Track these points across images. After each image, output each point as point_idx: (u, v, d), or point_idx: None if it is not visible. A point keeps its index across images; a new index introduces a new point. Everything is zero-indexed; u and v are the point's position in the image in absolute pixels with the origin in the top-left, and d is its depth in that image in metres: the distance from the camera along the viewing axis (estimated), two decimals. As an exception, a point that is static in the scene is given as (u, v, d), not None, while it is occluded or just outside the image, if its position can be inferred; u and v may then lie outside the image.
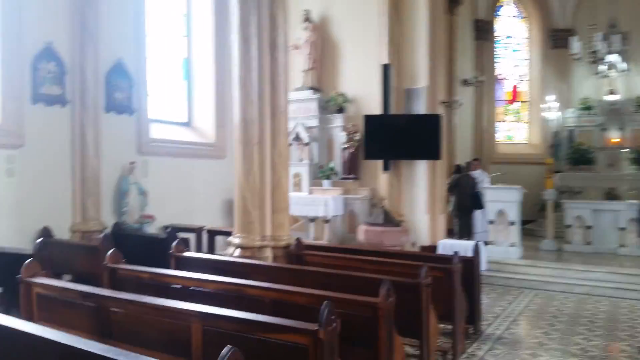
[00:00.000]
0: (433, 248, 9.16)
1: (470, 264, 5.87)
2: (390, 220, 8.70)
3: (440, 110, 9.76)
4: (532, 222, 13.78)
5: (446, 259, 5.59)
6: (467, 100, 14.96)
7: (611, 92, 13.82)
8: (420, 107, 9.56)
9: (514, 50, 16.50)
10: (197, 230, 8.47)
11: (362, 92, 10.19)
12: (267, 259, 5.79)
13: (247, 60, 5.98)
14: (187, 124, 10.39)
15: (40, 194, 7.05)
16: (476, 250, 5.97)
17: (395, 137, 9.39)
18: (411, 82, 9.71)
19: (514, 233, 9.18)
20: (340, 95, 10.23)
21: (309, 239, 9.62)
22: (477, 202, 9.91)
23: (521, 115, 16.62)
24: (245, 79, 5.97)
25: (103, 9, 7.83)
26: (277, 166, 6.05)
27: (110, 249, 5.03)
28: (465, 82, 14.37)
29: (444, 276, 5.19)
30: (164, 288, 4.41)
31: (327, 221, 9.49)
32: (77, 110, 7.53)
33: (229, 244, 6.02)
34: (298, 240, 6.01)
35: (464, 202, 10.41)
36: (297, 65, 10.56)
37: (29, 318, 3.95)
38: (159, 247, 6.58)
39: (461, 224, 10.48)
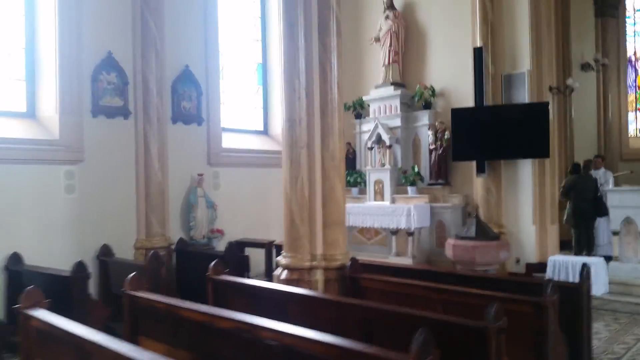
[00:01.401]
0: (541, 266, 7.70)
1: (576, 293, 4.49)
2: (484, 232, 7.38)
3: (549, 99, 8.18)
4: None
5: (538, 288, 4.31)
6: (589, 87, 12.83)
7: None
8: (523, 96, 8.09)
9: (649, 26, 13.93)
10: (267, 246, 7.84)
11: (452, 84, 8.97)
12: (317, 282, 4.96)
13: (293, 48, 5.22)
14: (263, 132, 9.95)
15: (103, 210, 6.91)
16: (586, 273, 4.56)
17: (491, 133, 8.05)
18: (510, 67, 8.28)
19: (649, 247, 7.35)
20: (426, 88, 9.09)
21: (390, 255, 8.63)
22: (599, 208, 8.14)
23: (661, 102, 13.96)
24: (290, 70, 5.21)
25: (167, 15, 7.59)
26: (329, 172, 5.18)
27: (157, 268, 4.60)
28: (586, 67, 12.29)
29: (533, 312, 3.94)
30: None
31: (410, 234, 8.39)
32: (140, 122, 7.34)
33: (277, 264, 5.29)
34: (353, 260, 5.10)
35: (582, 209, 8.66)
36: (378, 60, 9.65)
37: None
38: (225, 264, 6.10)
39: (578, 235, 8.74)
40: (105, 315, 5.25)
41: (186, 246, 7.44)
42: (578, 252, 8.68)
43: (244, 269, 6.51)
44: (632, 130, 13.75)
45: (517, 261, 8.17)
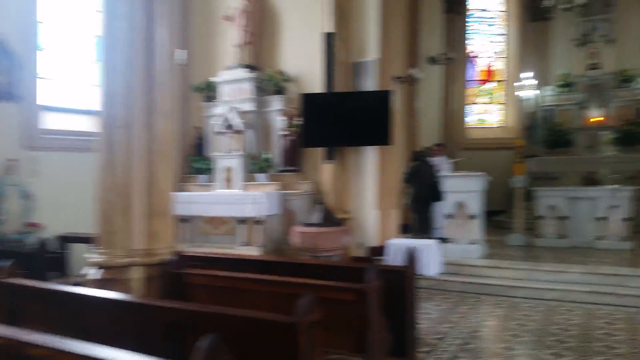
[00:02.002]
0: (382, 249, 7.89)
1: (401, 277, 4.54)
2: (329, 219, 7.36)
3: (393, 87, 8.40)
4: (503, 213, 12.56)
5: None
6: (435, 80, 13.68)
7: (593, 67, 12.54)
8: (370, 84, 8.21)
9: (489, 25, 15.18)
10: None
11: (305, 70, 8.81)
12: (134, 282, 4.44)
13: (111, 13, 4.60)
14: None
15: None
16: (411, 258, 4.63)
17: (339, 119, 8.05)
18: (360, 55, 8.35)
19: (475, 228, 7.90)
20: (278, 73, 8.85)
21: (238, 245, 8.30)
22: (436, 193, 8.58)
23: (495, 97, 15.34)
24: (109, 36, 4.59)
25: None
26: (152, 156, 4.65)
27: None
28: (433, 60, 13.04)
29: (356, 299, 3.87)
30: None
31: (259, 222, 8.14)
32: None
33: (89, 262, 4.65)
34: (178, 254, 4.66)
35: (422, 194, 9.10)
36: (230, 40, 9.17)
37: None
38: (31, 263, 5.25)
39: (419, 219, 9.18)
40: None
41: (-7, 243, 6.39)
42: (417, 235, 9.13)
43: (59, 268, 5.71)
44: (472, 120, 14.95)
45: (359, 245, 8.34)
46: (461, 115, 14.40)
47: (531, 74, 13.55)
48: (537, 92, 13.37)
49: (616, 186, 8.84)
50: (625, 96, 12.16)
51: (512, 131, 14.73)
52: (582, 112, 12.43)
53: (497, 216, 12.51)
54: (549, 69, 14.45)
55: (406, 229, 9.35)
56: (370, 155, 8.30)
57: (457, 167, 11.91)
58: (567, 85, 12.82)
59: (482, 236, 8.29)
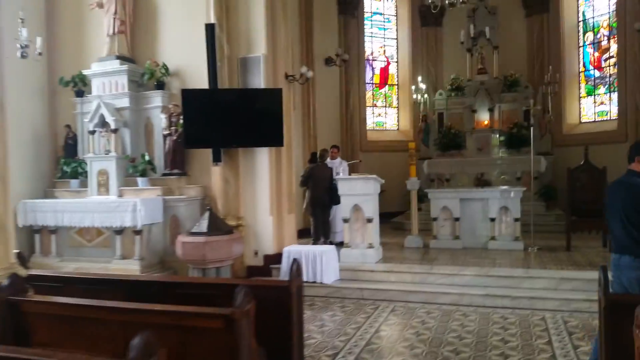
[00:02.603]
0: (278, 257, 7.38)
1: (284, 293, 3.99)
2: (216, 226, 6.69)
3: (285, 86, 7.91)
4: (402, 214, 12.62)
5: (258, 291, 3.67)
6: (334, 81, 13.45)
7: (481, 71, 12.99)
8: (259, 81, 7.64)
9: (382, 29, 15.28)
10: None
11: (189, 63, 8.05)
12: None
13: None
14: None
15: None
16: (295, 271, 4.10)
17: (226, 118, 7.40)
18: (247, 50, 7.75)
19: (372, 232, 7.63)
20: (158, 66, 8.01)
21: (114, 258, 7.35)
22: (334, 196, 8.24)
23: (391, 100, 15.49)
24: None
25: None
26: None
27: None
28: (329, 61, 12.79)
29: (225, 328, 3.24)
30: None
31: (138, 232, 7.24)
32: None
33: None
34: (14, 277, 3.76)
35: (319, 197, 8.74)
36: (102, 29, 8.16)
37: None
38: None
39: (316, 223, 8.80)
40: None
41: None
42: (316, 240, 8.74)
43: None
44: (370, 123, 14.94)
45: (256, 253, 7.76)
46: (360, 117, 14.31)
47: (422, 78, 13.89)
48: (428, 96, 13.65)
49: (505, 187, 9.05)
50: (511, 100, 12.71)
51: (408, 134, 14.94)
52: (473, 115, 12.82)
53: (395, 217, 12.54)
54: (441, 73, 14.86)
55: (307, 234, 8.93)
56: (263, 157, 7.74)
57: (355, 169, 11.76)
58: (457, 88, 13.17)
59: (379, 240, 8.06)
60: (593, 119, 13.30)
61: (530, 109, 12.34)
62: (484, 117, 12.82)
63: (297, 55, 10.79)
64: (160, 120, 8.00)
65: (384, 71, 15.42)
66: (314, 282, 7.07)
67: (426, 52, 14.99)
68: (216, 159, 7.50)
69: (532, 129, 9.06)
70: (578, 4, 13.61)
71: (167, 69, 8.03)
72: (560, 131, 13.45)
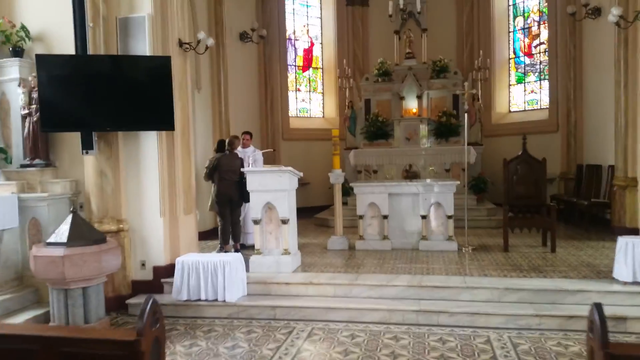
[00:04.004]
0: (172, 269, 5.94)
1: (131, 354, 2.57)
2: (80, 234, 5.11)
3: (178, 56, 6.39)
4: (327, 209, 11.49)
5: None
6: (250, 61, 12.00)
7: (408, 56, 12.06)
8: (143, 47, 6.08)
9: (304, 6, 13.97)
10: None
11: (56, 25, 6.30)
12: None
13: None
14: None
15: None
16: (152, 315, 2.70)
17: (98, 94, 5.81)
18: (128, 9, 6.15)
19: (288, 236, 6.37)
20: (15, 28, 6.23)
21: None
22: (245, 192, 6.85)
23: (316, 84, 14.28)
24: None
25: None
26: None
27: None
28: (244, 36, 11.32)
29: None
30: None
31: (-24, 241, 5.51)
32: None
33: None
34: None
35: (226, 193, 7.36)
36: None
37: None
38: None
39: (224, 224, 7.42)
40: None
41: None
42: (224, 244, 7.37)
43: None
44: (292, 110, 13.66)
45: (143, 265, 6.26)
46: (282, 102, 12.98)
47: (348, 61, 12.80)
48: (354, 82, 12.59)
49: (429, 180, 8.13)
50: (440, 86, 11.90)
51: (334, 122, 13.82)
52: (401, 102, 11.89)
53: (320, 213, 11.38)
54: (367, 57, 13.85)
55: (216, 235, 7.54)
56: (150, 144, 6.20)
57: (272, 160, 10.44)
58: (385, 73, 12.18)
59: (296, 244, 6.82)
60: (523, 108, 12.82)
61: (459, 95, 11.65)
62: (412, 105, 11.92)
63: (203, 25, 9.26)
64: (18, 97, 6.23)
65: (308, 53, 14.16)
66: (215, 300, 5.70)
67: (352, 33, 13.90)
68: (86, 146, 5.87)
69: (466, 115, 8.15)
70: (508, -13, 13.05)
71: (27, 31, 6.28)
72: (489, 120, 12.87)
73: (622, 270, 5.37)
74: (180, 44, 6.39)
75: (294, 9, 13.76)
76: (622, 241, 5.42)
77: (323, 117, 14.21)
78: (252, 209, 6.41)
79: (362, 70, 13.52)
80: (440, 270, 6.29)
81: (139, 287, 6.22)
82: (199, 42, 6.60)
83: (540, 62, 12.32)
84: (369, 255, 7.31)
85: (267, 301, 5.71)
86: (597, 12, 9.28)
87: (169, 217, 6.29)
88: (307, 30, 14.08)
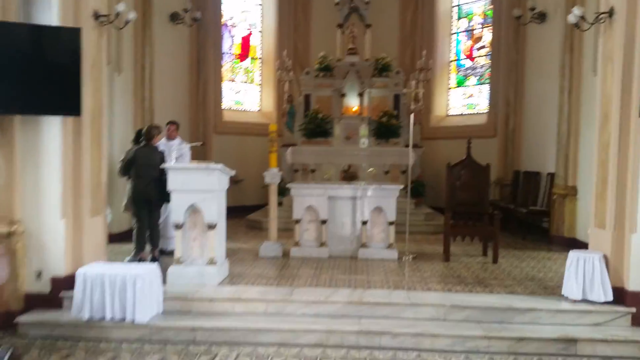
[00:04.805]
0: (73, 280, 5.03)
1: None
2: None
3: (92, 29, 5.44)
4: (261, 209, 10.78)
5: None
6: (180, 45, 11.02)
7: (351, 52, 11.55)
8: (49, 17, 5.10)
9: (244, -9, 13.13)
10: None
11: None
12: None
13: None
14: None
15: None
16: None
17: (-14, 69, 4.78)
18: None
19: (215, 243, 5.61)
20: None
21: None
22: (165, 191, 5.99)
23: (253, 76, 13.47)
24: None
25: None
26: None
27: None
28: (175, 17, 10.33)
29: None
30: None
31: None
32: None
33: None
34: None
35: (144, 192, 6.47)
36: None
37: None
38: None
39: (140, 228, 6.54)
40: None
41: None
42: (139, 251, 6.48)
43: None
44: (227, 101, 12.78)
45: (39, 275, 5.28)
46: (215, 93, 12.07)
47: (288, 52, 12.14)
48: (294, 75, 11.93)
49: (368, 185, 7.66)
50: (382, 85, 11.49)
51: (271, 117, 13.09)
52: (342, 99, 11.37)
53: (253, 213, 10.63)
54: (309, 50, 13.23)
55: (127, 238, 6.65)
56: (53, 131, 5.22)
57: (201, 155, 9.58)
58: (326, 68, 11.61)
59: (224, 252, 6.08)
60: (461, 112, 12.70)
61: (400, 95, 11.32)
62: (353, 103, 11.44)
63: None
64: None
65: (246, 41, 13.31)
66: (123, 319, 4.84)
67: (294, 24, 13.22)
68: (-31, 132, 4.83)
69: (412, 116, 7.69)
70: (453, -12, 12.86)
71: None
72: (428, 123, 12.64)
73: (572, 287, 5.09)
74: (96, 16, 5.43)
75: (231, -6, 12.87)
76: (573, 256, 5.14)
77: (260, 110, 13.44)
78: (174, 212, 5.59)
79: (303, 63, 12.88)
80: (381, 283, 5.78)
81: (33, 301, 5.23)
82: (117, 15, 5.67)
83: (481, 66, 12.22)
84: (305, 264, 6.69)
85: (186, 321, 4.93)
86: (542, 17, 9.18)
87: (72, 219, 5.34)
88: (246, 17, 13.23)
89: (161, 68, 9.59)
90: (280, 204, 9.11)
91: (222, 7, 12.42)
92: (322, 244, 7.19)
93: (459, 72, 12.79)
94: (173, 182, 5.51)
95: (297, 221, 7.21)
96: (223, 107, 12.48)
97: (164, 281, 5.33)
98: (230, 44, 12.97)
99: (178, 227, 5.58)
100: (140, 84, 8.75)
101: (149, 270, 5.01)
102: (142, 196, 6.42)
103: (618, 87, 4.98)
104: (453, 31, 12.84)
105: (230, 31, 12.96)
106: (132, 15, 5.97)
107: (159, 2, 9.53)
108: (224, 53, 12.63)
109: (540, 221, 9.13)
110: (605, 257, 5.09)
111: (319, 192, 7.22)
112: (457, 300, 5.20)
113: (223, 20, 12.55)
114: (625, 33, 4.92)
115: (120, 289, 4.85)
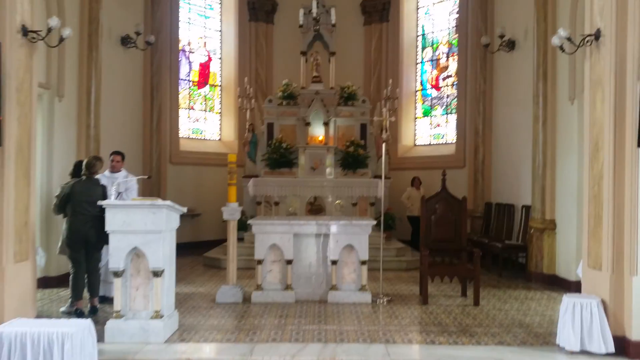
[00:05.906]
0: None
1: None
2: None
3: (18, 45, 4.69)
4: (220, 245, 9.96)
5: None
6: (133, 70, 10.28)
7: (315, 80, 11.08)
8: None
9: (202, 16, 12.55)
10: None
11: None
12: None
13: None
14: None
15: None
16: None
17: None
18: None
19: (161, 292, 4.81)
20: None
21: None
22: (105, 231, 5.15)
23: (213, 104, 12.80)
24: None
25: None
26: None
27: None
28: (127, 41, 9.61)
29: None
30: None
31: None
32: None
33: None
34: None
35: (80, 231, 5.62)
36: None
37: None
38: None
39: (76, 272, 5.67)
40: None
41: None
42: (75, 299, 5.61)
43: None
44: (184, 130, 12.03)
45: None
46: (171, 121, 11.31)
47: (249, 80, 11.57)
48: (256, 103, 11.35)
49: (335, 221, 7.04)
50: (348, 114, 11.02)
51: (232, 146, 12.39)
52: (307, 128, 10.81)
53: (210, 250, 9.77)
54: (271, 77, 12.71)
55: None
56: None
57: (153, 190, 8.75)
58: (289, 96, 11.07)
59: (173, 302, 5.27)
60: (429, 142, 12.36)
61: (367, 124, 10.88)
62: (318, 132, 10.89)
63: (72, 21, 7.46)
64: None
65: (204, 68, 12.67)
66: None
67: (255, 51, 12.70)
68: None
69: (384, 145, 7.18)
70: (417, 17, 12.67)
71: None
72: (395, 154, 12.22)
73: (569, 337, 4.53)
74: (25, 31, 4.69)
75: (189, 18, 12.27)
76: (569, 301, 4.61)
77: (220, 140, 12.73)
78: (112, 257, 4.77)
79: (265, 91, 12.35)
80: (355, 334, 5.09)
81: None
82: (50, 30, 4.93)
83: (448, 96, 11.96)
84: (269, 311, 5.94)
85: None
86: (511, 44, 8.94)
87: (-10, 267, 4.47)
88: (205, 43, 12.63)
89: (110, 93, 8.80)
90: (241, 239, 8.41)
91: (180, 31, 11.78)
92: (287, 287, 6.46)
93: (424, 101, 12.50)
94: (111, 222, 4.72)
95: (260, 262, 6.47)
96: (180, 135, 11.72)
97: (101, 338, 4.48)
98: (188, 70, 12.30)
99: (117, 274, 4.76)
100: (85, 110, 7.92)
101: (81, 327, 4.15)
102: (79, 237, 5.57)
103: (610, 114, 4.57)
104: (418, 60, 12.61)
105: (188, 57, 12.31)
106: (67, 32, 5.25)
107: (109, 22, 8.80)
108: (181, 79, 11.94)
109: (516, 256, 8.69)
110: (604, 302, 4.59)
111: (284, 229, 6.52)
112: (443, 356, 4.56)
113: (180, 45, 11.91)
114: (615, 56, 4.55)
115: (45, 351, 3.96)
